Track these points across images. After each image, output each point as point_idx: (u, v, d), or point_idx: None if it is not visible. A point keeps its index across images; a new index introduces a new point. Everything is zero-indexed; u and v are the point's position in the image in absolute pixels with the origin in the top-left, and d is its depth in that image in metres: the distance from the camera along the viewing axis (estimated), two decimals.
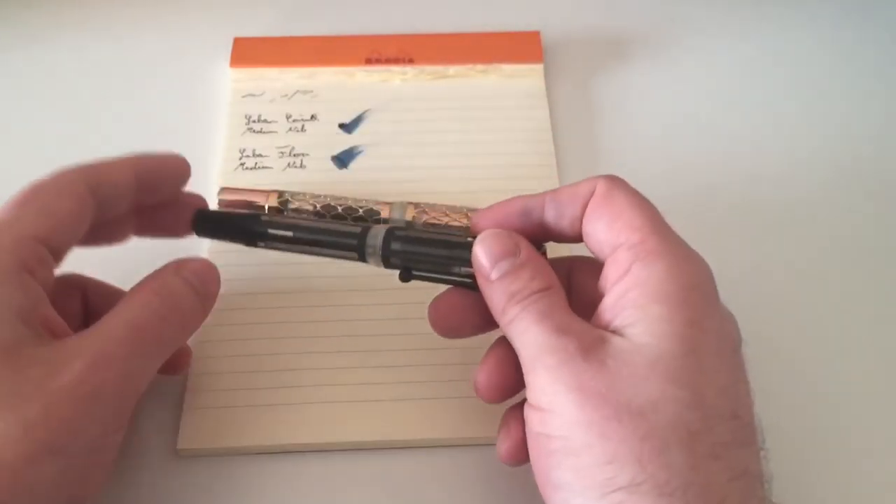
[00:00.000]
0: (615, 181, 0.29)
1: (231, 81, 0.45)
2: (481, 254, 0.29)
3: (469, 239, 0.34)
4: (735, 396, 0.26)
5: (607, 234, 0.28)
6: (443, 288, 0.34)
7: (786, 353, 0.36)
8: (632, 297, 0.26)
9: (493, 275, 0.29)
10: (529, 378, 0.27)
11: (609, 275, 0.28)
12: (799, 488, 0.31)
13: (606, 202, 0.28)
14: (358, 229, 0.36)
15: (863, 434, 0.34)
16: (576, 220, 0.29)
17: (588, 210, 0.29)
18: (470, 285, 0.35)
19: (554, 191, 0.30)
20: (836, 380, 0.36)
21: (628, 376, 0.25)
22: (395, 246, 0.34)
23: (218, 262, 0.38)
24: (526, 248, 0.29)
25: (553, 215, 0.30)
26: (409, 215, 0.38)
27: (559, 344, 0.26)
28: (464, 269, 0.35)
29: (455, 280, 0.35)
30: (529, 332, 0.27)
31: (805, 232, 0.40)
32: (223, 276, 0.37)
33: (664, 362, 0.25)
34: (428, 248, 0.34)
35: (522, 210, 0.30)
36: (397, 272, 0.36)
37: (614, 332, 0.26)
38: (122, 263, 0.38)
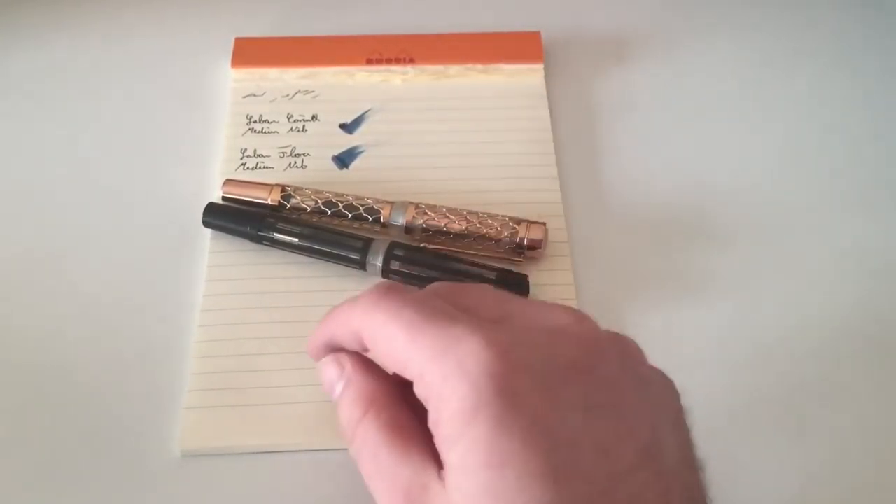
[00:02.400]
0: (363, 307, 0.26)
1: (232, 81, 0.45)
2: (322, 381, 0.29)
3: (463, 266, 0.36)
4: None
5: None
6: None
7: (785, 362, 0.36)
8: (440, 440, 0.24)
9: (335, 400, 0.28)
10: None
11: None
12: None
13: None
14: (361, 242, 0.37)
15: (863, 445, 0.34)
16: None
17: None
18: None
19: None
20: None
21: None
22: (395, 264, 0.36)
23: (218, 262, 0.38)
24: (348, 365, 0.28)
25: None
26: (410, 215, 0.38)
27: None
28: None
29: None
30: (370, 484, 0.26)
31: (805, 232, 0.40)
32: (224, 275, 0.38)
33: None
34: (426, 270, 0.36)
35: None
36: None
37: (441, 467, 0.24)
38: (121, 268, 0.39)
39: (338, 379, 0.28)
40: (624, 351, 0.25)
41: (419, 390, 0.24)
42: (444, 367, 0.23)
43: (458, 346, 0.23)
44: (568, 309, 0.26)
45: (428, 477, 0.24)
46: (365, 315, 0.25)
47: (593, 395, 0.23)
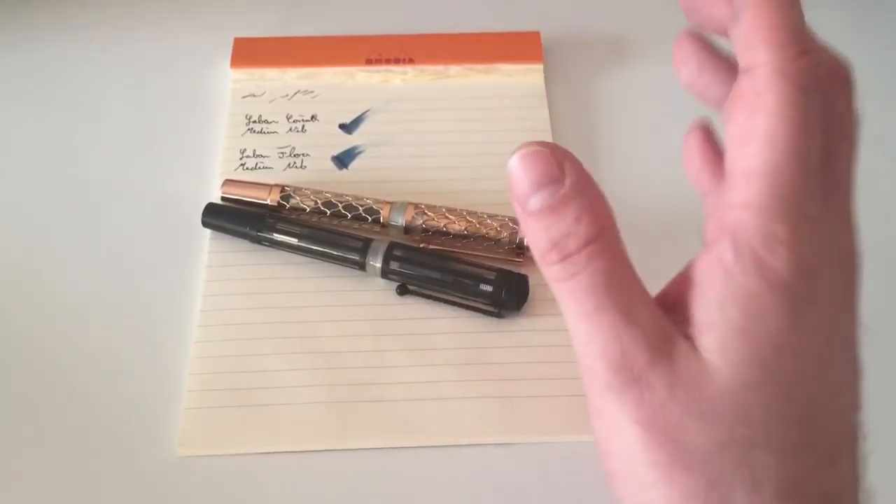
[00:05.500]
0: (776, 76, 0.22)
1: (231, 82, 0.45)
2: (518, 177, 0.23)
3: (463, 266, 0.36)
4: (813, 419, 0.22)
5: (727, 161, 0.23)
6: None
7: None
8: (713, 287, 0.22)
9: (531, 206, 0.22)
10: (585, 380, 0.22)
11: (708, 231, 0.23)
12: None
13: (743, 108, 0.22)
14: (360, 242, 0.37)
15: None
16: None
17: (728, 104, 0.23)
18: (460, 305, 0.36)
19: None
20: None
21: (698, 412, 0.21)
22: (394, 265, 0.36)
23: (218, 262, 0.38)
24: (573, 171, 0.22)
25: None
26: (409, 215, 0.38)
27: (622, 360, 0.22)
28: (456, 294, 0.36)
29: (448, 301, 0.36)
30: (583, 325, 0.22)
31: None
32: (224, 275, 0.38)
33: (736, 396, 0.21)
34: (425, 270, 0.36)
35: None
36: (395, 285, 0.37)
37: (688, 324, 0.22)
38: (120, 269, 0.39)
39: (553, 181, 0.22)
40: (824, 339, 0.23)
41: (722, 218, 0.22)
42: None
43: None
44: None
45: (672, 334, 0.22)
46: (764, 88, 0.22)
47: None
